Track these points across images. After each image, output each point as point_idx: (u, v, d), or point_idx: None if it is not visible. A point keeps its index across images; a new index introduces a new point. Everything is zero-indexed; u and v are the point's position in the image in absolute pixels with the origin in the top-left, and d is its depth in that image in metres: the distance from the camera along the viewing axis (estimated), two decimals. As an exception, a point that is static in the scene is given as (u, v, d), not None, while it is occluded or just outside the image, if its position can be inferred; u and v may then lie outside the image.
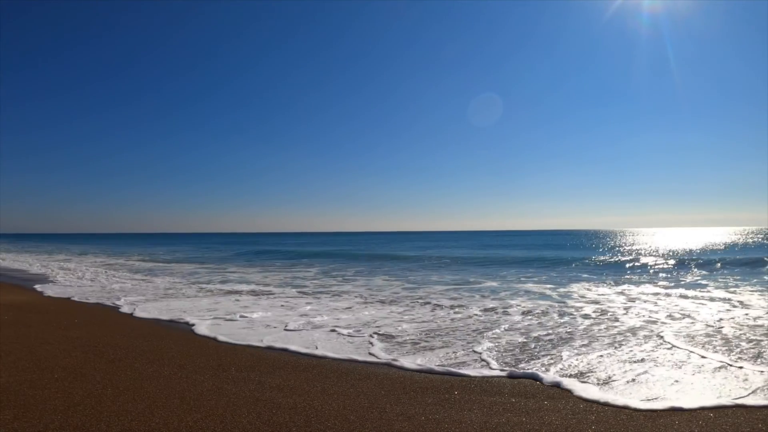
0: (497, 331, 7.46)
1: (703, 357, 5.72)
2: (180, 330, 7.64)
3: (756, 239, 57.41)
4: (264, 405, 4.06)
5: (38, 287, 13.95)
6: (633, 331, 7.29)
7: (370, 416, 3.85)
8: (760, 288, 12.80)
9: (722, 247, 39.57)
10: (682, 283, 14.67)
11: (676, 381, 4.80)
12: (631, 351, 6.05)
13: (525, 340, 6.75)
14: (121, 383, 4.61)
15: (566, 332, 7.26)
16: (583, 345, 6.40)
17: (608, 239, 71.34)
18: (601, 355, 5.84)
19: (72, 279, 16.98)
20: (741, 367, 5.23)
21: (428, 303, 10.66)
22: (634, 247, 42.18)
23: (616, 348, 6.22)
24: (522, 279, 16.56)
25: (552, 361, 5.60)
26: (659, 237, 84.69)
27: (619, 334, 7.09)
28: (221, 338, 6.97)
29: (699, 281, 14.96)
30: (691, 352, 5.97)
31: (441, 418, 3.83)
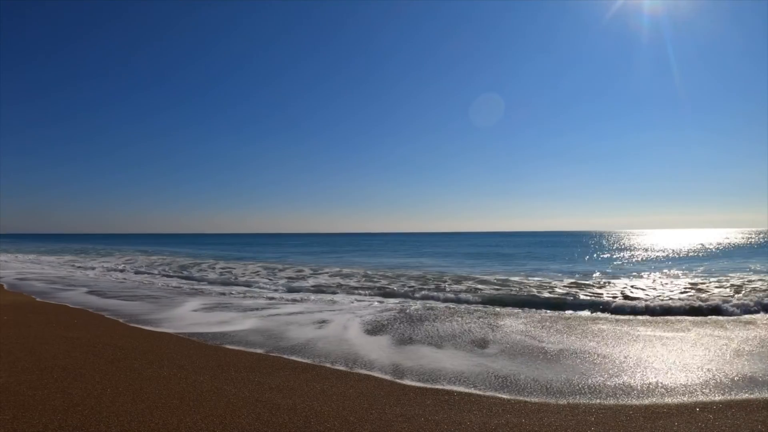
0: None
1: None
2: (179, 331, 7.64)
3: (758, 240, 57.45)
4: (263, 406, 4.06)
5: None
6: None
7: (370, 417, 3.84)
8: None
9: (713, 248, 39.69)
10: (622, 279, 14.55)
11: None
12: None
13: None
14: (121, 384, 4.61)
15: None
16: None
17: (604, 240, 71.76)
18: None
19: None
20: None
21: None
22: (627, 249, 42.55)
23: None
24: (485, 270, 17.84)
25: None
26: (655, 237, 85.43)
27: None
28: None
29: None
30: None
31: (440, 419, 3.83)
